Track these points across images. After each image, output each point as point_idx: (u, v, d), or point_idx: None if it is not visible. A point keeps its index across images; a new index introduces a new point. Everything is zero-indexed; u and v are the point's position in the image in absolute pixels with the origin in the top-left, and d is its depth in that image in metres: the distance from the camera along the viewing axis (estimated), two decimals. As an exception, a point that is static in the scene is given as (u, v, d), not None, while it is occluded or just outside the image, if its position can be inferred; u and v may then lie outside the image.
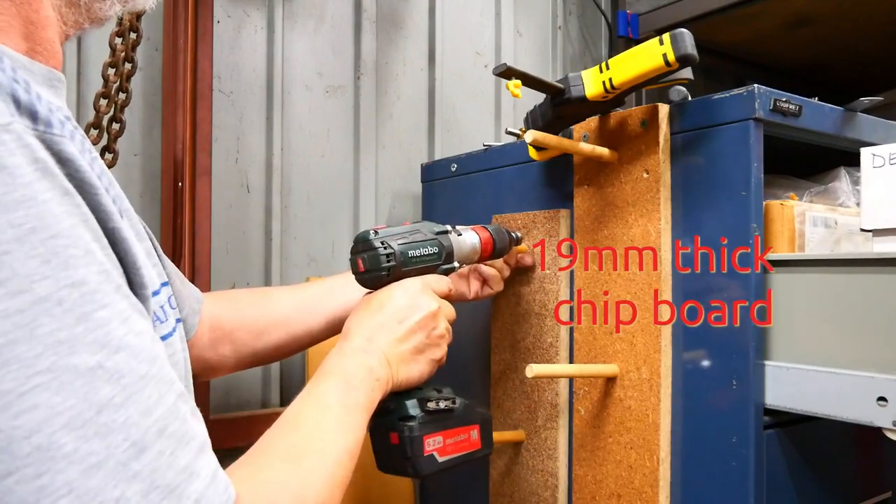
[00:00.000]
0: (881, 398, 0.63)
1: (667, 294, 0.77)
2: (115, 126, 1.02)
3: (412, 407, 0.68)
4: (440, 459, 0.69)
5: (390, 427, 0.68)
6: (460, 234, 0.79)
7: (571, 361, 0.89)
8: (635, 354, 0.79)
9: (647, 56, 0.70)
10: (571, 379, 0.88)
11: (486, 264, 0.88)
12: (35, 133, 0.37)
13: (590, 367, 0.82)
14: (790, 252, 0.77)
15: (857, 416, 0.65)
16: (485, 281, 0.90)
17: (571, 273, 0.90)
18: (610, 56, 1.27)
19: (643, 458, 0.77)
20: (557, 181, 0.94)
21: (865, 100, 0.81)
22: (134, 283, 0.43)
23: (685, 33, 0.68)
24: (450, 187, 1.17)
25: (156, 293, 0.48)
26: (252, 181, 1.24)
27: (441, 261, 0.75)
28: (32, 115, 0.38)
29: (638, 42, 1.31)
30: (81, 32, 0.53)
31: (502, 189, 1.04)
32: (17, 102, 0.37)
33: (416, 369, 0.68)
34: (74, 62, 1.07)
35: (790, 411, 0.71)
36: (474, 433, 0.73)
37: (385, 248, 0.70)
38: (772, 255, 0.73)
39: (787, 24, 1.51)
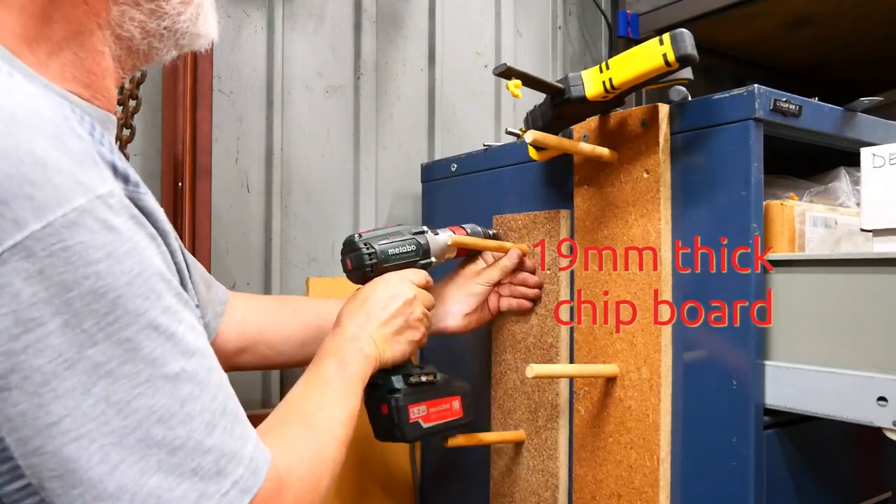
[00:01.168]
0: (881, 398, 0.63)
1: (667, 294, 0.77)
2: (126, 132, 1.03)
3: (397, 381, 0.80)
4: (424, 426, 0.81)
5: (380, 400, 0.80)
6: (437, 234, 0.89)
7: (572, 361, 0.89)
8: (635, 354, 0.79)
9: (647, 56, 0.70)
10: (572, 379, 0.88)
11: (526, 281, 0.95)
12: (127, 193, 0.47)
13: (590, 367, 0.82)
14: (790, 252, 0.77)
15: (857, 416, 0.65)
16: (522, 297, 0.96)
17: (572, 273, 0.90)
18: (610, 56, 1.27)
19: (643, 458, 0.77)
20: (557, 181, 0.94)
21: (865, 100, 0.81)
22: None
23: (685, 33, 0.68)
24: (450, 187, 1.17)
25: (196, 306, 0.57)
26: (252, 181, 1.24)
27: (419, 257, 0.86)
28: (125, 179, 0.47)
29: (638, 42, 1.31)
30: (136, 72, 0.61)
31: (503, 189, 1.04)
32: (115, 169, 0.46)
33: (398, 349, 0.79)
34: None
35: (790, 411, 0.71)
36: (455, 403, 0.85)
37: (368, 248, 0.82)
38: (772, 255, 0.73)
39: (787, 24, 1.51)
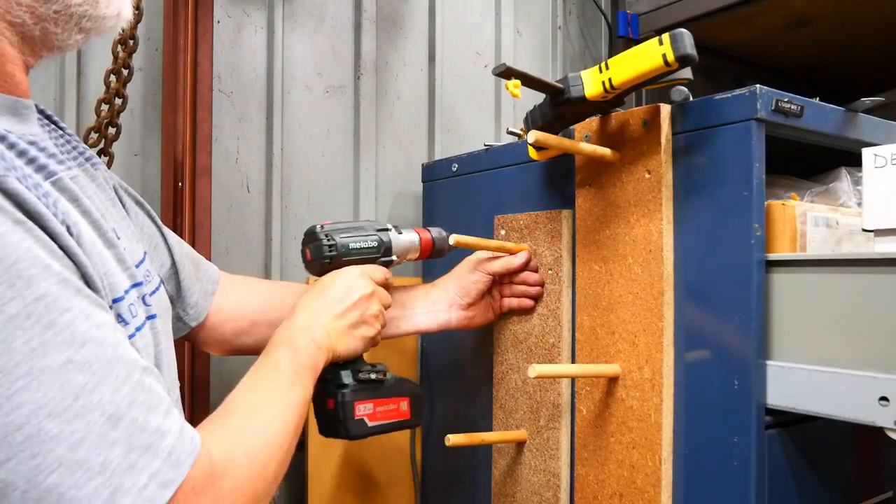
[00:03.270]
0: (883, 398, 0.63)
1: (669, 294, 0.77)
2: (112, 130, 1.02)
3: (346, 376, 0.80)
4: (370, 424, 0.80)
5: (327, 394, 0.79)
6: (401, 233, 0.88)
7: (573, 361, 0.89)
8: (637, 354, 0.79)
9: (647, 56, 0.70)
10: (573, 379, 0.88)
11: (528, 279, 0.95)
12: None
13: (592, 367, 0.82)
14: (792, 252, 0.77)
15: (858, 415, 0.65)
16: (521, 295, 0.95)
17: (573, 273, 0.90)
18: (610, 56, 1.27)
19: (645, 458, 0.77)
20: (559, 181, 0.93)
21: (867, 100, 0.81)
22: (94, 289, 0.49)
23: (684, 33, 0.68)
24: (451, 187, 1.17)
25: (118, 299, 0.55)
26: (252, 181, 1.24)
27: (380, 254, 0.85)
28: None
29: (638, 42, 1.31)
30: (48, 58, 0.58)
31: (503, 189, 1.04)
32: None
33: (352, 343, 0.78)
34: (75, 66, 1.07)
35: (792, 411, 0.71)
36: (403, 404, 0.84)
37: (328, 239, 0.82)
38: (773, 255, 0.73)
39: (787, 24, 1.51)
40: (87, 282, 0.48)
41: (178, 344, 0.88)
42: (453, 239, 0.88)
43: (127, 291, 0.56)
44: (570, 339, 0.90)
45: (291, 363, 0.69)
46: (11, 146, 0.50)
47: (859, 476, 0.88)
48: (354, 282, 0.79)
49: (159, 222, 0.79)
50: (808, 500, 0.78)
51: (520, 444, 0.96)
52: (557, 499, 0.90)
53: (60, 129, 0.66)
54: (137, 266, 0.63)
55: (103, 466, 0.43)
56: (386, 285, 0.84)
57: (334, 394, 0.79)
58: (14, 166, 0.47)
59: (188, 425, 0.51)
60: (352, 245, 0.83)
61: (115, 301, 0.54)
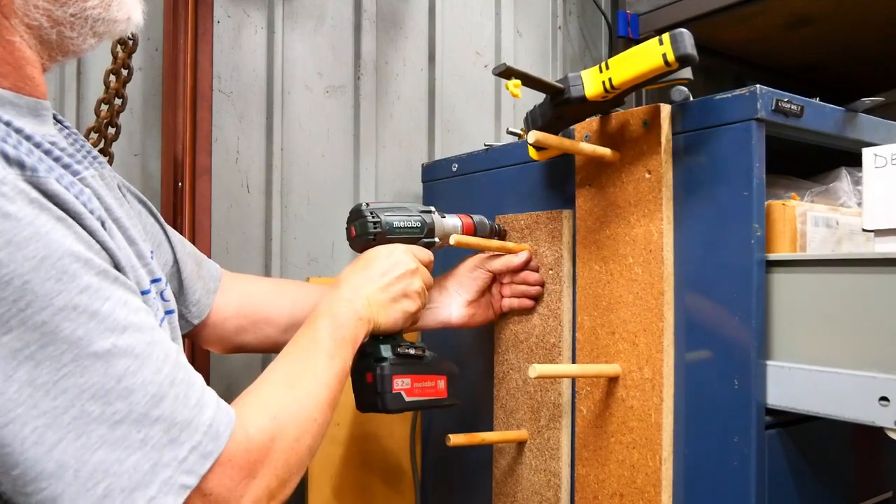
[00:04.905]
0: (883, 398, 0.63)
1: (669, 294, 0.77)
2: (111, 130, 1.03)
3: (385, 350, 0.80)
4: (407, 399, 0.80)
5: (366, 368, 0.79)
6: (444, 217, 0.89)
7: (574, 361, 0.89)
8: (637, 354, 0.79)
9: (647, 56, 0.70)
10: (574, 379, 0.88)
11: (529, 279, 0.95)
12: (24, 178, 0.46)
13: (592, 366, 0.82)
14: (792, 252, 0.77)
15: (858, 415, 0.65)
16: (522, 296, 0.95)
17: (574, 273, 0.90)
18: (610, 56, 1.27)
19: (645, 458, 0.77)
20: (559, 181, 0.93)
21: (867, 100, 0.82)
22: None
23: (684, 33, 0.68)
24: (451, 187, 1.17)
25: (145, 292, 0.57)
26: (252, 181, 1.24)
27: (423, 234, 0.86)
28: (20, 165, 0.46)
29: (638, 42, 1.31)
30: (63, 62, 0.61)
31: (504, 189, 1.04)
32: (7, 157, 0.46)
33: (393, 315, 0.79)
34: (74, 66, 1.07)
35: (792, 411, 0.71)
36: (441, 382, 0.84)
37: (373, 217, 0.83)
38: (773, 255, 0.73)
39: (787, 24, 1.51)
40: (121, 273, 0.51)
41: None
42: (454, 239, 0.88)
43: (154, 282, 0.59)
44: (571, 338, 0.90)
45: (332, 335, 0.69)
46: (38, 145, 0.52)
47: (859, 476, 0.88)
48: (400, 257, 0.80)
49: (162, 220, 0.80)
50: (808, 500, 0.78)
51: (520, 444, 0.96)
52: (558, 499, 0.90)
53: (66, 128, 0.67)
54: (149, 260, 0.65)
55: (143, 442, 0.46)
56: (428, 266, 0.85)
57: (373, 367, 0.79)
58: (51, 167, 0.50)
59: (223, 401, 0.53)
60: (395, 223, 0.84)
61: (142, 293, 0.55)
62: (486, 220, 0.94)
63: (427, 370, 0.83)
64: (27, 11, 0.53)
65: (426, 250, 0.85)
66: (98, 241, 0.50)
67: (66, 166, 0.54)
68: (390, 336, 0.81)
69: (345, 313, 0.73)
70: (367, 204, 0.84)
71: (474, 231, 0.92)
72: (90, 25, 0.56)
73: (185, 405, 0.49)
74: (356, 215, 0.84)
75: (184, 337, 0.85)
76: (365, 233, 0.82)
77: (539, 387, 0.94)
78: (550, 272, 0.93)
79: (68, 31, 0.56)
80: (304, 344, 0.69)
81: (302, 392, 0.62)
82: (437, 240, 0.87)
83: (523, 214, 0.97)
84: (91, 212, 0.50)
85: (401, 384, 0.79)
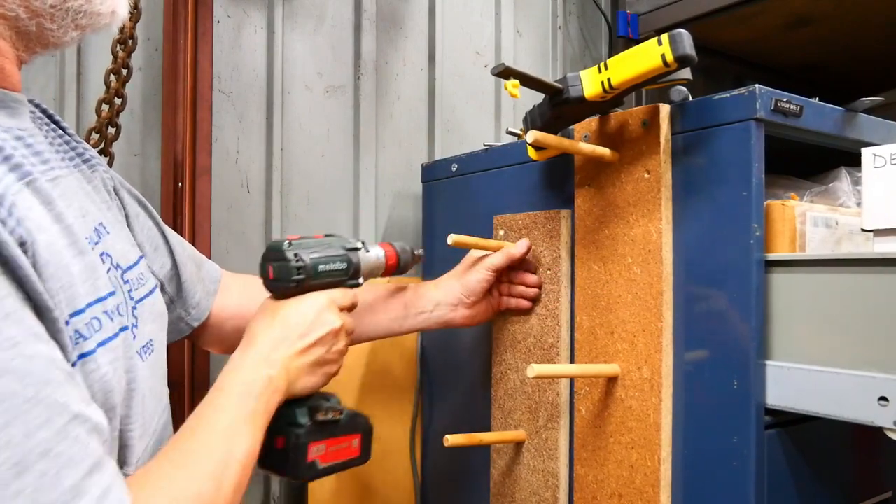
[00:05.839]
0: (882, 398, 0.63)
1: (668, 294, 0.77)
2: (111, 130, 1.03)
3: (301, 415, 0.70)
4: (320, 466, 0.72)
5: (278, 431, 0.69)
6: (368, 251, 0.81)
7: (572, 361, 0.89)
8: (636, 354, 0.79)
9: (646, 56, 0.70)
10: (572, 379, 0.88)
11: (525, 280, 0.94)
12: None
13: (591, 367, 0.82)
14: (791, 252, 0.77)
15: (858, 416, 0.65)
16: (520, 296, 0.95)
17: (573, 273, 0.90)
18: (610, 56, 1.27)
19: (644, 458, 0.77)
20: (558, 181, 0.93)
21: (866, 100, 0.81)
22: (41, 307, 0.45)
23: (683, 34, 0.68)
24: (450, 187, 1.17)
25: (78, 312, 0.50)
26: (252, 181, 1.24)
27: (348, 276, 0.77)
28: None
29: (638, 42, 1.31)
30: (44, 55, 0.57)
31: (503, 189, 1.04)
32: None
33: (311, 381, 0.71)
34: (75, 66, 1.08)
35: (791, 411, 0.71)
36: (355, 441, 0.76)
37: (297, 260, 0.72)
38: (773, 255, 0.73)
39: (787, 24, 1.51)
40: (35, 303, 0.45)
41: (178, 343, 0.88)
42: (451, 239, 0.87)
43: (90, 305, 0.52)
44: (569, 339, 0.90)
45: (240, 410, 0.61)
46: None
47: (859, 476, 0.88)
48: (322, 315, 0.71)
49: (161, 223, 0.79)
50: (808, 501, 0.78)
51: (518, 445, 0.96)
52: (556, 499, 0.90)
53: (62, 128, 0.65)
54: (128, 269, 0.61)
55: None
56: (352, 308, 0.78)
57: (286, 432, 0.70)
58: None
59: (119, 485, 0.46)
60: (321, 268, 0.74)
61: (74, 314, 0.49)
62: (408, 248, 0.85)
63: (343, 431, 0.74)
64: (3, 2, 0.51)
65: (349, 294, 0.77)
66: (12, 269, 0.43)
67: (15, 166, 0.49)
68: (306, 397, 0.72)
69: (257, 382, 0.64)
70: (290, 242, 0.73)
71: (397, 263, 0.84)
72: (71, 17, 0.54)
73: (54, 487, 0.40)
74: (276, 255, 0.72)
75: (184, 339, 0.85)
76: (287, 278, 0.71)
77: (537, 387, 0.94)
78: (549, 272, 0.93)
79: (48, 23, 0.53)
80: (209, 417, 0.61)
81: (196, 473, 0.54)
82: (361, 281, 0.79)
83: (521, 214, 0.97)
84: (12, 231, 0.44)
85: (316, 451, 0.71)
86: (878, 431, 0.64)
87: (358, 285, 0.79)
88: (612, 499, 0.81)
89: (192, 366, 1.09)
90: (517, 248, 0.93)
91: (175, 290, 0.79)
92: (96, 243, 0.56)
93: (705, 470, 0.74)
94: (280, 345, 0.68)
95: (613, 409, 0.81)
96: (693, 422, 0.76)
